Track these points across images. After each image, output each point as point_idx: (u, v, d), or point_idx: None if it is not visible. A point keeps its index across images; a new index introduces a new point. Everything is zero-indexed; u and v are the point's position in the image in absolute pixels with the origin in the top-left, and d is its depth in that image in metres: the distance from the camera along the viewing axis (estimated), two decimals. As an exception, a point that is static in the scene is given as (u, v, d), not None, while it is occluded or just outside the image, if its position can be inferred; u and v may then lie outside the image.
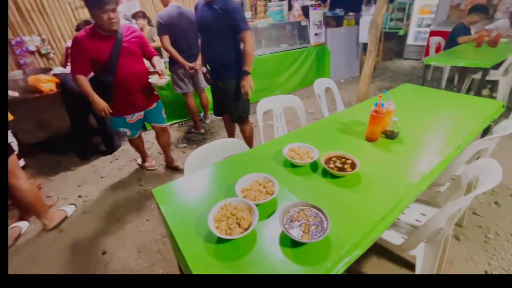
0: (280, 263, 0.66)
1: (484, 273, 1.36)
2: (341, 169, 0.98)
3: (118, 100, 1.84)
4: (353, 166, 0.99)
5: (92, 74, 1.80)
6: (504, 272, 1.36)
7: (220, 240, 0.72)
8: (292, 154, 1.07)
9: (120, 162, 2.67)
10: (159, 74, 1.94)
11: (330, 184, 0.95)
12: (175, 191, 0.96)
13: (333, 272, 0.64)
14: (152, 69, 2.25)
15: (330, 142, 1.26)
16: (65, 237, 1.80)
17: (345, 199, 0.88)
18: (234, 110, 2.09)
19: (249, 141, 2.26)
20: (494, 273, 1.35)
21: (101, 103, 1.73)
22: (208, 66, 2.00)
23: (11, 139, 1.88)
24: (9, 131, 1.78)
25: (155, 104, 2.10)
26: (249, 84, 1.91)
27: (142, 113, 2.03)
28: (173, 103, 3.26)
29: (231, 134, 2.45)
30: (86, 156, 2.76)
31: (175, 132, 3.27)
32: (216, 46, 1.89)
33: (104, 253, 1.66)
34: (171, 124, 3.46)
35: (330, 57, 4.68)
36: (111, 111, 1.80)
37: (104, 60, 1.68)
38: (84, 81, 1.69)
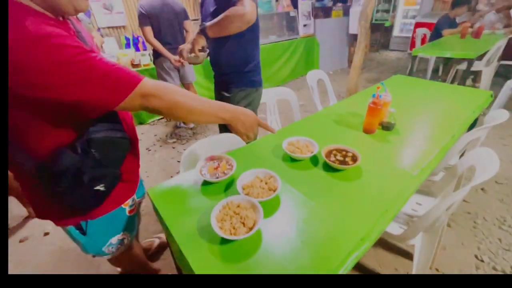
0: (288, 261, 0.64)
1: (474, 257, 1.41)
2: (343, 162, 0.96)
3: (130, 165, 0.85)
4: (354, 158, 0.98)
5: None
6: (492, 255, 1.41)
7: (225, 241, 0.69)
8: (291, 148, 1.05)
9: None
10: None
11: (332, 178, 0.93)
12: (171, 190, 0.91)
13: (343, 268, 0.63)
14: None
15: (328, 135, 1.24)
16: (51, 239, 1.72)
17: (348, 192, 0.87)
18: None
19: None
20: (483, 256, 1.41)
21: None
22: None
23: None
24: None
25: None
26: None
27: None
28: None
29: None
30: None
31: (163, 127, 3.17)
32: (221, 47, 1.30)
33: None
34: (158, 119, 3.36)
35: (319, 49, 4.67)
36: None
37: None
38: None
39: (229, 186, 0.90)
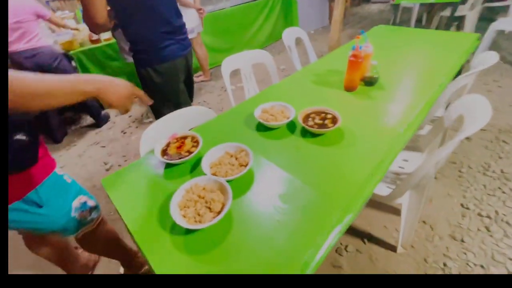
0: (262, 245, 0.56)
1: (460, 206, 1.41)
2: (322, 125, 0.86)
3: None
4: (334, 120, 0.87)
5: None
6: (477, 202, 1.42)
7: (190, 231, 0.60)
8: (265, 116, 0.93)
9: (79, 149, 2.39)
10: None
11: (311, 144, 0.84)
12: (129, 179, 0.79)
13: (325, 245, 0.56)
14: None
15: (306, 97, 1.13)
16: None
17: (329, 159, 0.78)
18: None
19: None
20: (469, 204, 1.41)
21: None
22: None
23: None
24: None
25: None
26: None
27: None
28: (129, 74, 2.88)
29: None
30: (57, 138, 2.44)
31: (137, 107, 2.96)
32: None
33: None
34: (132, 99, 3.11)
35: (297, 7, 4.32)
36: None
37: None
38: None
39: (195, 166, 0.79)
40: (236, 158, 0.75)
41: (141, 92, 0.72)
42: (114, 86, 0.64)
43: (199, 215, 0.60)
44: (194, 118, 1.08)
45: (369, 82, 1.13)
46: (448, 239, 1.26)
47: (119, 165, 2.12)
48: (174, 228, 0.60)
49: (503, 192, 1.44)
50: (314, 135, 0.87)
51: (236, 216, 0.63)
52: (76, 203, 0.85)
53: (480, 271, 1.11)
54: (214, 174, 0.70)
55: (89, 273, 1.29)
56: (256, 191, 0.69)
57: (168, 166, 0.80)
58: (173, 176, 0.77)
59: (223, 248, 0.56)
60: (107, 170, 2.09)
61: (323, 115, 0.91)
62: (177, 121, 1.04)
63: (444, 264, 1.15)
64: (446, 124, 1.05)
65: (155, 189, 0.74)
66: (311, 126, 0.86)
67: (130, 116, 2.80)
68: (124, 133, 2.55)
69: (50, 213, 0.78)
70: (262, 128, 0.93)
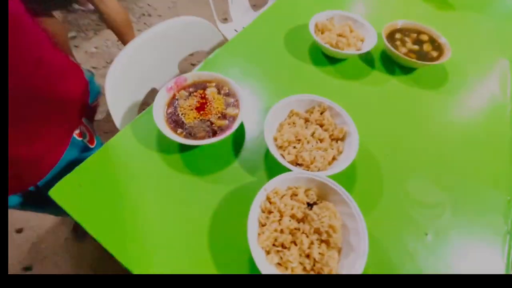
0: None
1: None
2: (420, 54, 0.54)
3: None
4: (436, 46, 0.56)
5: None
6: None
7: None
8: (331, 38, 0.54)
9: None
10: None
11: (407, 86, 0.54)
12: (111, 186, 0.40)
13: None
14: None
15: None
16: (26, 236, 1.16)
17: (441, 111, 0.51)
18: None
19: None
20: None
21: None
22: None
23: None
24: None
25: None
26: None
27: None
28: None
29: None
30: None
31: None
32: None
33: (19, 230, 1.13)
34: None
35: None
36: None
37: None
38: None
39: (238, 141, 0.43)
40: (322, 125, 0.41)
41: None
42: None
43: (307, 257, 0.30)
44: (187, 39, 0.61)
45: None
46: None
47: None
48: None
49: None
50: (405, 70, 0.56)
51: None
52: None
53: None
54: (293, 164, 0.37)
55: None
56: (363, 190, 0.41)
57: (184, 148, 0.42)
58: (203, 168, 0.40)
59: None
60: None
61: (414, 35, 0.57)
62: (158, 46, 0.57)
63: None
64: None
65: (176, 196, 0.38)
66: (406, 55, 0.53)
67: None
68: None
69: None
70: (320, 58, 0.56)
